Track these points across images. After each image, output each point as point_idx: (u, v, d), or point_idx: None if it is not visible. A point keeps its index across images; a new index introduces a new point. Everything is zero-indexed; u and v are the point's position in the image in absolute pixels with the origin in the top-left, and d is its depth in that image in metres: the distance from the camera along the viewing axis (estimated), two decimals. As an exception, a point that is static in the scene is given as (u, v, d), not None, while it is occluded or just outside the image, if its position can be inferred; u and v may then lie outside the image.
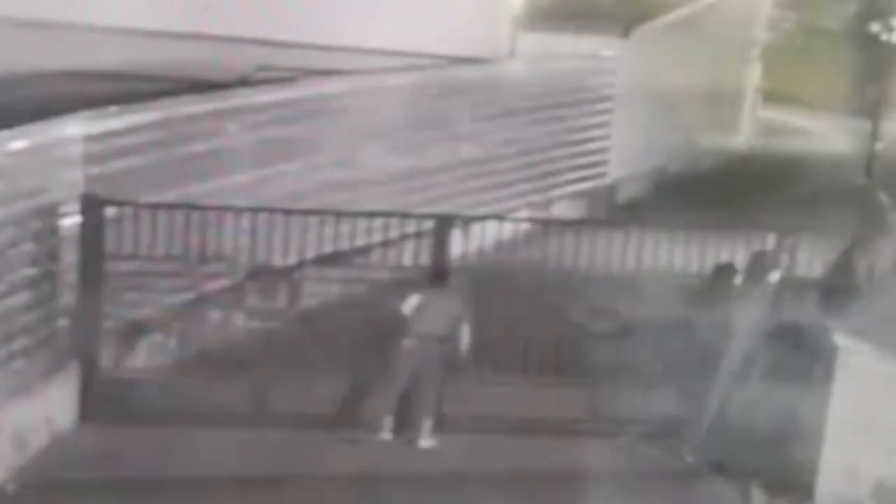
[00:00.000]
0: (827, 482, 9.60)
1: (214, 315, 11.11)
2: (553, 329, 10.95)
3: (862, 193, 15.13)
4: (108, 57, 11.94)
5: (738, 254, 11.55)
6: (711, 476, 10.23)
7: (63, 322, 10.38)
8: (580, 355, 10.86)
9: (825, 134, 19.22)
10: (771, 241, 11.54)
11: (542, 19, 15.56)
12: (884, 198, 14.39)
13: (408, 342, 10.54)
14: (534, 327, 10.90)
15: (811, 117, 19.50)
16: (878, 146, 16.62)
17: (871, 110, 17.31)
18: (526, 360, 10.94)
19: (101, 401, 10.54)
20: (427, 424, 10.63)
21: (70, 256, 10.39)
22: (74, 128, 10.33)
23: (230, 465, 9.95)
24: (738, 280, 11.35)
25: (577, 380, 10.76)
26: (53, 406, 10.28)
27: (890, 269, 11.79)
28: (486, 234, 11.65)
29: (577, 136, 15.42)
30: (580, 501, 9.63)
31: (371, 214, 11.51)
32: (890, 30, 17.28)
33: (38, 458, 9.98)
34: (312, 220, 11.15)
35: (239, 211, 10.97)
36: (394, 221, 11.53)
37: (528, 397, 10.75)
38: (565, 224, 13.06)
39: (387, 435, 10.57)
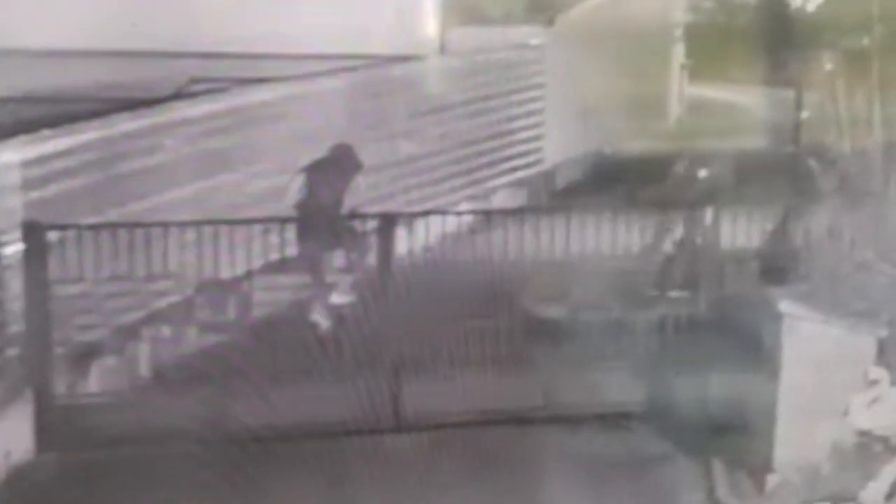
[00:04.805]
0: (784, 450, 9.77)
1: (166, 332, 11.07)
2: (505, 319, 11.03)
3: (791, 162, 15.35)
4: (37, 80, 11.78)
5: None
6: (674, 457, 10.33)
7: (13, 352, 10.28)
8: (534, 344, 10.96)
9: (750, 106, 19.46)
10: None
11: (469, 13, 15.61)
12: (813, 164, 14.62)
13: None
14: (485, 319, 10.98)
15: (736, 91, 19.71)
16: (803, 114, 16.85)
17: (793, 80, 17.53)
18: (481, 352, 11.00)
19: (57, 429, 10.44)
20: None
21: (15, 285, 10.30)
22: (9, 154, 10.21)
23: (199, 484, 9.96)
24: None
25: (533, 368, 10.86)
26: (9, 438, 10.17)
27: (825, 234, 12.02)
28: (430, 230, 11.69)
29: (512, 126, 15.50)
30: (544, 490, 9.72)
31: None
32: (802, -3, 17.50)
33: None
34: (257, 229, 11.15)
35: (182, 225, 10.93)
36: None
37: (485, 389, 10.82)
38: (507, 213, 13.14)
39: None
